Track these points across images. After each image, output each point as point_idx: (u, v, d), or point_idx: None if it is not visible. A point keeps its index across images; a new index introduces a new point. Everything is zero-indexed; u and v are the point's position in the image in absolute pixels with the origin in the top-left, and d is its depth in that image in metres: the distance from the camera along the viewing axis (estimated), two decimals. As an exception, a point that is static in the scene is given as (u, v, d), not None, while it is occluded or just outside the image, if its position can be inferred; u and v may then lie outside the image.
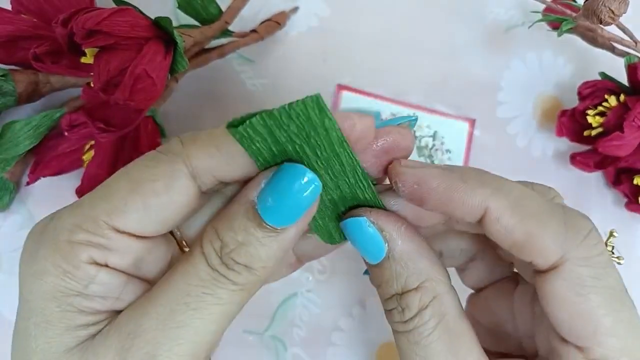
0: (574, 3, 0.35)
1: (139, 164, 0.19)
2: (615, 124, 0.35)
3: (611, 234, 0.24)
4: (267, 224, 0.18)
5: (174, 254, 0.22)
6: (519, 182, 0.22)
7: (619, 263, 0.23)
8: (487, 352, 0.20)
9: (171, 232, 0.22)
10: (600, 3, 0.32)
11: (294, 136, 0.18)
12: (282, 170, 0.19)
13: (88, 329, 0.19)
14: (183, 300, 0.18)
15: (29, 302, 0.18)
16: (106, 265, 0.19)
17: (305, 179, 0.18)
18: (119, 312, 0.19)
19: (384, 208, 0.21)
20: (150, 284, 0.20)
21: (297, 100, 0.17)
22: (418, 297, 0.20)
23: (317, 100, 0.17)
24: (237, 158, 0.19)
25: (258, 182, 0.19)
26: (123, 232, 0.19)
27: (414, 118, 0.22)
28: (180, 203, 0.19)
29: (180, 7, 0.31)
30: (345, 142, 0.18)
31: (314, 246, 0.24)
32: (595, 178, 0.40)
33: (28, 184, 0.33)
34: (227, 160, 0.19)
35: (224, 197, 0.22)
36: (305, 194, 0.18)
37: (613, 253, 0.23)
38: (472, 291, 0.27)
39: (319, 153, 0.18)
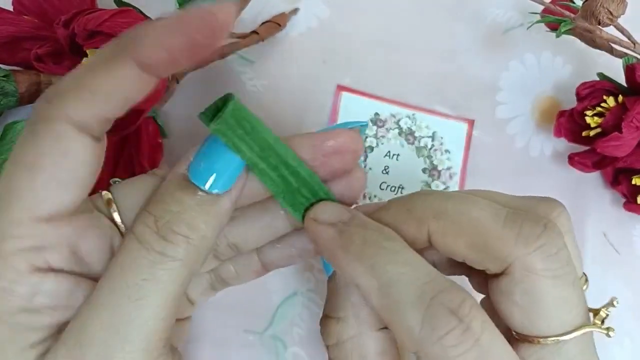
0: (572, 4, 0.36)
1: (22, 146, 0.18)
2: (613, 125, 0.35)
3: (611, 303, 0.23)
4: (201, 190, 0.18)
5: (115, 245, 0.20)
6: (521, 197, 0.22)
7: (608, 335, 0.21)
8: None
9: (114, 223, 0.21)
10: (599, 4, 0.32)
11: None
12: (209, 139, 0.19)
13: (40, 346, 0.18)
14: (124, 294, 0.17)
15: None
16: (50, 269, 0.18)
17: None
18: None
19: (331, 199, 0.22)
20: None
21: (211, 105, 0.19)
22: (337, 328, 0.20)
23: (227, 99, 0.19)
24: (115, 92, 0.17)
25: (186, 157, 0.19)
26: (48, 219, 0.17)
27: (364, 124, 0.22)
28: (84, 160, 0.18)
29: (180, 8, 0.31)
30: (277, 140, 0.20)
31: (280, 255, 0.24)
32: (594, 178, 0.40)
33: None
34: (107, 98, 0.17)
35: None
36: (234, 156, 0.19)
37: (602, 324, 0.21)
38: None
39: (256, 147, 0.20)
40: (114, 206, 0.20)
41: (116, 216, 0.20)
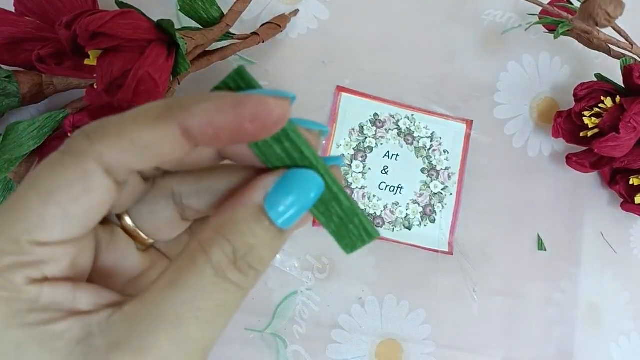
0: (570, 6, 0.36)
1: (45, 171, 0.18)
2: (611, 125, 0.35)
3: None
4: (275, 226, 0.19)
5: (101, 237, 0.21)
6: None
7: None
8: None
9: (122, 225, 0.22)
10: (596, 6, 0.32)
11: None
12: (293, 176, 0.19)
13: (65, 336, 0.18)
14: (194, 315, 0.18)
15: None
16: (46, 279, 0.18)
17: (315, 185, 0.19)
18: (85, 311, 0.19)
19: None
20: (93, 271, 0.20)
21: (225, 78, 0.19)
22: None
23: (239, 72, 0.18)
24: (152, 149, 0.18)
25: (264, 186, 0.19)
26: (46, 244, 0.18)
27: (325, 129, 0.22)
28: (101, 201, 0.18)
29: (182, 9, 0.32)
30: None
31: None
32: (591, 178, 0.40)
33: (31, 184, 0.33)
34: (142, 152, 0.18)
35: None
36: (313, 196, 0.19)
37: None
38: None
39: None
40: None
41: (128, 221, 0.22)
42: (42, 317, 0.18)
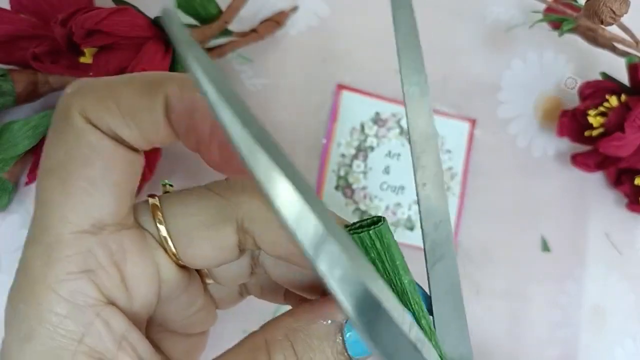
0: (574, 3, 0.35)
1: (47, 148, 0.16)
2: (616, 124, 0.34)
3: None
4: (347, 354, 0.17)
5: (162, 274, 0.19)
6: None
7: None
8: None
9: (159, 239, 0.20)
10: (601, 3, 0.32)
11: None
12: None
13: None
14: None
15: None
16: (107, 302, 0.16)
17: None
18: None
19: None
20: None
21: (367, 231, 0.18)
22: None
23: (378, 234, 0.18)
24: (135, 117, 0.16)
25: None
26: (91, 230, 0.16)
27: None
28: (115, 161, 0.16)
29: (179, 6, 0.31)
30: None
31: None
32: (596, 178, 0.40)
33: (27, 184, 0.33)
34: (130, 120, 0.16)
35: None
36: None
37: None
38: None
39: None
40: (159, 216, 0.18)
41: (162, 229, 0.18)
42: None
